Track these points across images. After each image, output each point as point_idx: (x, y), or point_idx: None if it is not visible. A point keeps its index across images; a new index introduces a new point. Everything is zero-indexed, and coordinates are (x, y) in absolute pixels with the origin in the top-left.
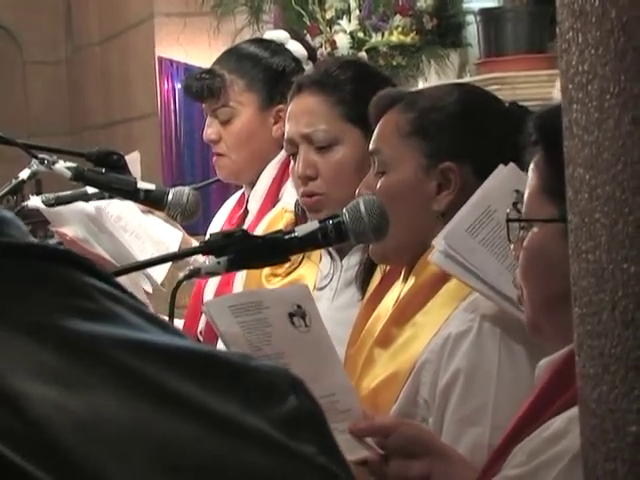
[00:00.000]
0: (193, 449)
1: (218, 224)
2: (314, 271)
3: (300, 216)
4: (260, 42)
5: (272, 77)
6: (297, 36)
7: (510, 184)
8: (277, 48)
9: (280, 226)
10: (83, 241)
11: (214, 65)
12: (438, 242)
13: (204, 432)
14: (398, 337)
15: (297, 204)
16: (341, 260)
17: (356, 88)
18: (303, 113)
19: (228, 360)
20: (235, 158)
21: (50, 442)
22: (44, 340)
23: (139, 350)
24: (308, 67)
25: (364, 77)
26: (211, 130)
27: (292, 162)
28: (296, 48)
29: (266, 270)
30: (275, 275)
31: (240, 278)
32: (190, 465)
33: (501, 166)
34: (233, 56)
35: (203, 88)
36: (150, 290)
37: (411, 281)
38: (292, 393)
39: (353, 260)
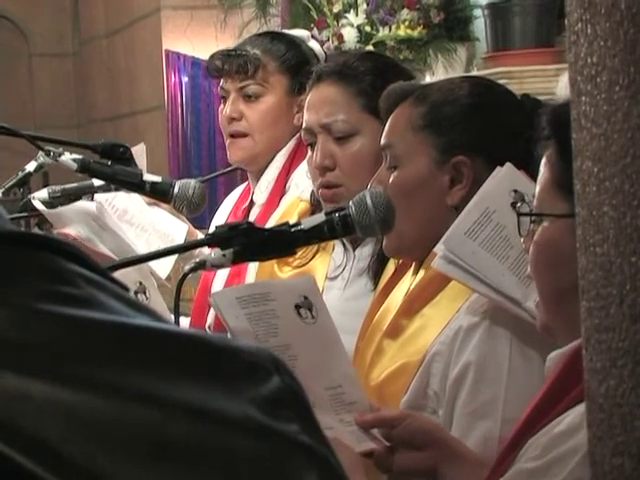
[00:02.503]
0: (167, 436)
1: (222, 216)
2: (327, 261)
3: (315, 206)
4: (285, 35)
5: (301, 65)
6: (314, 38)
7: (508, 185)
8: (301, 42)
9: (295, 215)
10: (86, 240)
11: (245, 45)
12: (438, 248)
13: (177, 420)
14: (407, 328)
15: (313, 194)
16: (354, 250)
17: (375, 79)
18: (323, 103)
19: (209, 343)
20: (259, 138)
21: (35, 433)
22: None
23: (118, 336)
24: None
25: (383, 69)
26: (234, 107)
27: (310, 152)
28: (316, 47)
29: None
30: (288, 264)
31: (253, 268)
32: (162, 452)
33: (498, 168)
34: (266, 38)
35: (240, 64)
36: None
37: (421, 273)
38: (276, 373)
39: (366, 251)
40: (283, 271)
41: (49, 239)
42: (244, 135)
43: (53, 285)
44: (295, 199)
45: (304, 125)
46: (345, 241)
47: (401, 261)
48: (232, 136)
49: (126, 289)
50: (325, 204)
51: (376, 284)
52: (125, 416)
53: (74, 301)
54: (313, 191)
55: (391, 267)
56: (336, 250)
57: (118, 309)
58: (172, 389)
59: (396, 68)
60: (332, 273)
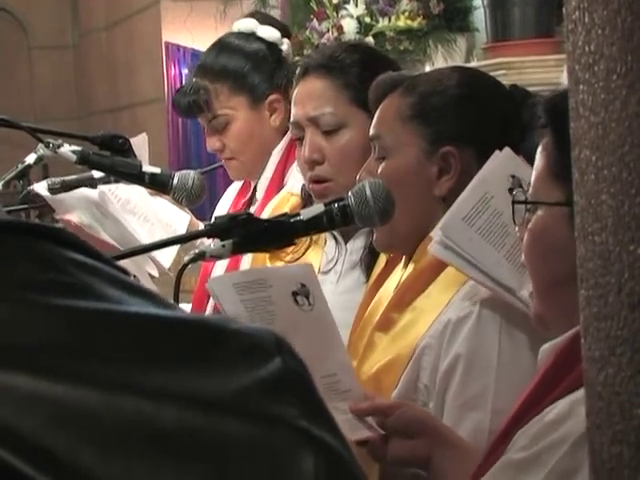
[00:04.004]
0: (157, 427)
1: (223, 209)
2: (319, 255)
3: (306, 200)
4: (232, 37)
5: (254, 71)
6: (265, 19)
7: (506, 170)
8: (249, 39)
9: (286, 210)
10: (88, 227)
11: (196, 77)
12: (435, 233)
13: (167, 409)
14: (398, 321)
15: (303, 188)
16: (346, 244)
17: (362, 72)
18: (310, 96)
19: (207, 326)
20: (244, 159)
21: (15, 426)
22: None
23: (106, 325)
24: (285, 47)
25: (370, 61)
26: (212, 141)
27: (298, 146)
28: (267, 33)
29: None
30: (280, 259)
31: (246, 263)
32: (151, 444)
33: (497, 152)
34: (209, 61)
35: (190, 106)
36: (156, 274)
37: (412, 266)
38: (277, 354)
39: (358, 244)
40: (276, 265)
41: (39, 226)
42: (232, 158)
43: (42, 273)
44: (286, 194)
45: (292, 119)
46: (337, 234)
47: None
48: (226, 159)
49: (125, 272)
50: (316, 199)
51: (368, 277)
52: (113, 407)
53: (63, 290)
54: (304, 185)
55: (383, 260)
56: (328, 244)
57: (111, 295)
58: (163, 377)
59: (383, 60)
60: (325, 267)
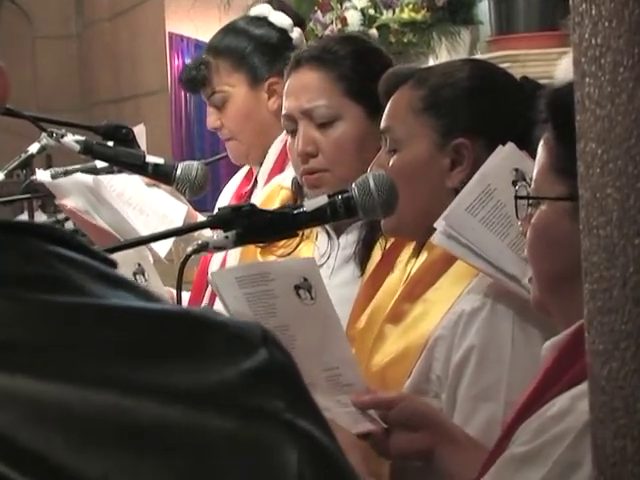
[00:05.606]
0: (135, 422)
1: (225, 200)
2: (311, 249)
3: (297, 193)
4: (242, 20)
5: (257, 52)
6: (280, 6)
7: (510, 163)
8: (259, 22)
9: (276, 203)
10: (83, 212)
11: (204, 51)
12: (438, 223)
13: (145, 403)
14: (409, 313)
15: (294, 181)
16: (338, 238)
17: (356, 64)
18: (303, 89)
19: (191, 318)
20: (241, 139)
21: None
22: None
23: (84, 319)
24: (295, 35)
25: (364, 53)
26: (212, 118)
27: (291, 139)
28: (280, 19)
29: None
30: (272, 253)
31: (234, 257)
32: (129, 439)
33: (500, 146)
34: (216, 39)
35: (189, 80)
36: (151, 261)
37: (423, 257)
38: (262, 346)
39: (351, 238)
40: (267, 260)
41: (23, 222)
42: (231, 139)
43: (23, 267)
44: (276, 186)
45: (284, 112)
46: (329, 229)
47: (388, 246)
48: (225, 139)
49: (114, 265)
50: (309, 190)
51: (363, 271)
52: (90, 403)
53: (44, 284)
54: (294, 179)
55: (377, 254)
56: (320, 238)
57: (94, 290)
58: (142, 371)
59: (377, 52)
60: (317, 261)
